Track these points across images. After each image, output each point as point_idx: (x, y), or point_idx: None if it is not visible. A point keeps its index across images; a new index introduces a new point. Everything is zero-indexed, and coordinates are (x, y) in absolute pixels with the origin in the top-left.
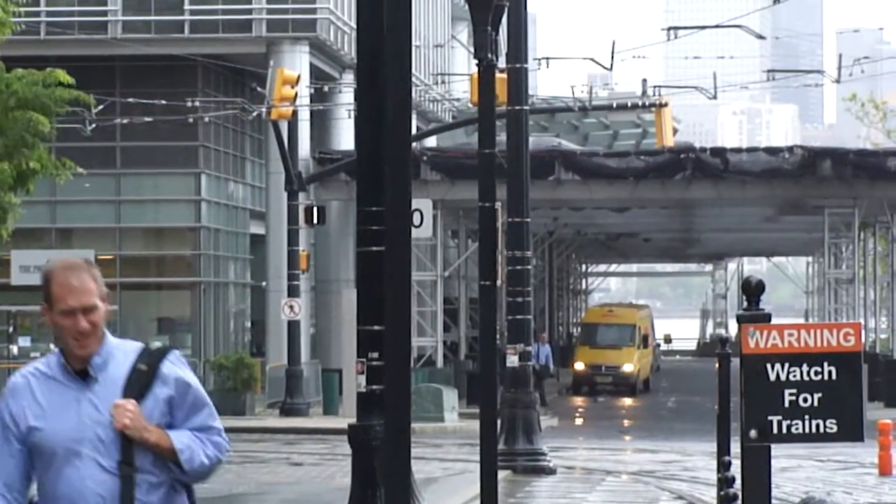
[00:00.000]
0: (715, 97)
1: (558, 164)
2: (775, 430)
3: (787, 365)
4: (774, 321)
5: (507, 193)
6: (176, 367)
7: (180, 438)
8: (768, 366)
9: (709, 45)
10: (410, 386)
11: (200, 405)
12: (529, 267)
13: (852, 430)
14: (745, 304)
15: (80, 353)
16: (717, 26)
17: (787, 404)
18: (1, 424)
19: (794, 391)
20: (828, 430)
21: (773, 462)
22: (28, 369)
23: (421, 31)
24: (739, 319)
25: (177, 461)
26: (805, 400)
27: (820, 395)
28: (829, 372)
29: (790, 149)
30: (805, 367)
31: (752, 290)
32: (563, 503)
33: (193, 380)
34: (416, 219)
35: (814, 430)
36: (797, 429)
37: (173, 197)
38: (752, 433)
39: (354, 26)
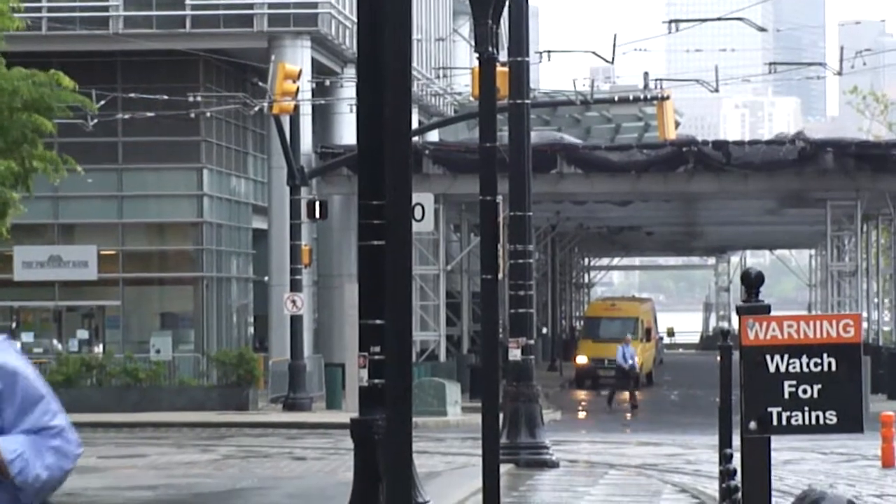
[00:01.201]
0: (717, 90)
1: (560, 158)
2: (775, 422)
3: (786, 356)
4: (778, 314)
5: (509, 187)
6: (2, 353)
7: (9, 445)
8: (768, 357)
9: (710, 38)
10: (412, 380)
11: (34, 400)
12: (531, 261)
13: (852, 422)
14: (745, 295)
15: None
16: (718, 19)
17: (786, 396)
18: None
19: (793, 383)
20: (828, 421)
21: (776, 454)
22: None
23: (422, 25)
24: (739, 311)
25: (5, 473)
26: (805, 391)
27: (820, 386)
28: (829, 363)
29: (792, 140)
30: (805, 359)
31: (752, 281)
32: (566, 496)
33: (25, 368)
34: (417, 213)
35: (813, 421)
36: (797, 420)
37: (175, 192)
38: (752, 425)
39: (356, 20)
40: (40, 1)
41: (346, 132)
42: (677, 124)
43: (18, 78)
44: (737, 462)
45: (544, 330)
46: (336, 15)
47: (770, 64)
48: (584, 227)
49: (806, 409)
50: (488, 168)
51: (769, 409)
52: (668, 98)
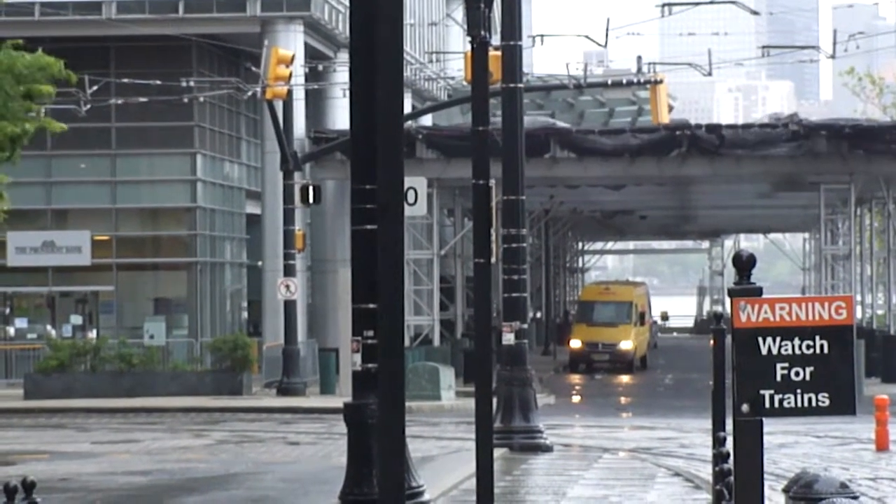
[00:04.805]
0: (710, 74)
1: (553, 142)
2: (767, 404)
3: (778, 339)
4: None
5: (503, 171)
6: None
7: None
8: (760, 340)
9: (704, 22)
10: (405, 364)
11: None
12: (525, 245)
13: (844, 404)
14: (737, 278)
15: None
16: (711, 2)
17: (779, 378)
18: None
19: (786, 365)
20: (820, 403)
21: (770, 438)
22: None
23: (415, 9)
24: (731, 293)
25: None
26: (797, 374)
27: (812, 368)
28: (821, 346)
29: (785, 124)
30: (797, 341)
31: (743, 264)
32: (560, 480)
33: None
34: (410, 197)
35: (806, 403)
36: (789, 403)
37: (169, 177)
38: (745, 407)
39: (348, 5)
40: None
41: (340, 117)
42: (671, 108)
43: (9, 55)
44: (730, 445)
45: (538, 314)
46: None
47: (763, 47)
48: (577, 211)
49: (798, 391)
50: (481, 152)
51: (761, 392)
52: (661, 82)
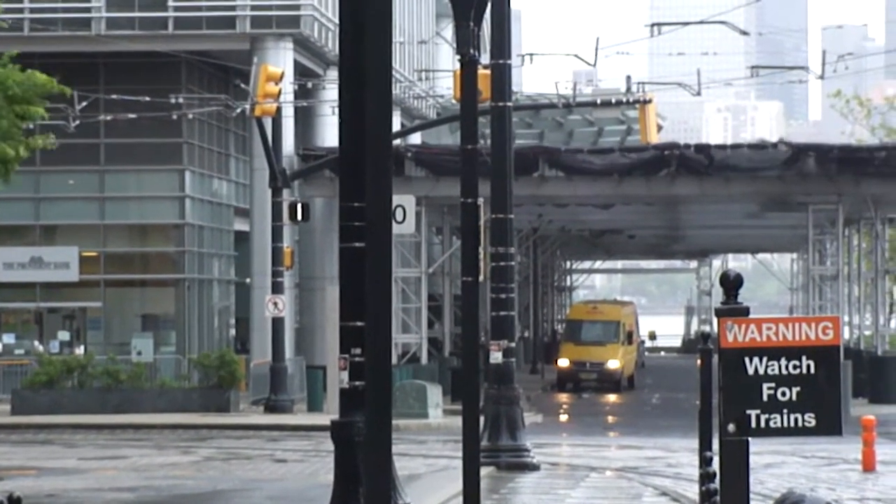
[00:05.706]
0: (699, 94)
1: (542, 161)
2: (753, 424)
3: (765, 359)
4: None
5: (491, 189)
6: None
7: None
8: (747, 359)
9: (693, 42)
10: (392, 382)
11: None
12: (513, 263)
13: (831, 425)
14: (724, 297)
15: None
16: (700, 22)
17: (765, 398)
18: None
19: (772, 385)
20: (806, 424)
21: (757, 458)
22: None
23: (405, 28)
24: (718, 313)
25: None
26: (784, 394)
27: (798, 389)
28: (808, 366)
29: (774, 145)
30: (783, 361)
31: (730, 283)
32: (547, 499)
33: None
34: (398, 215)
35: (792, 424)
36: (775, 423)
37: (157, 193)
38: (731, 427)
39: (338, 22)
40: (22, 2)
41: (329, 134)
42: (660, 128)
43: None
44: (717, 465)
45: (526, 333)
46: (318, 17)
47: (752, 67)
48: (566, 229)
49: (785, 411)
50: (470, 171)
51: (748, 412)
52: (650, 101)
